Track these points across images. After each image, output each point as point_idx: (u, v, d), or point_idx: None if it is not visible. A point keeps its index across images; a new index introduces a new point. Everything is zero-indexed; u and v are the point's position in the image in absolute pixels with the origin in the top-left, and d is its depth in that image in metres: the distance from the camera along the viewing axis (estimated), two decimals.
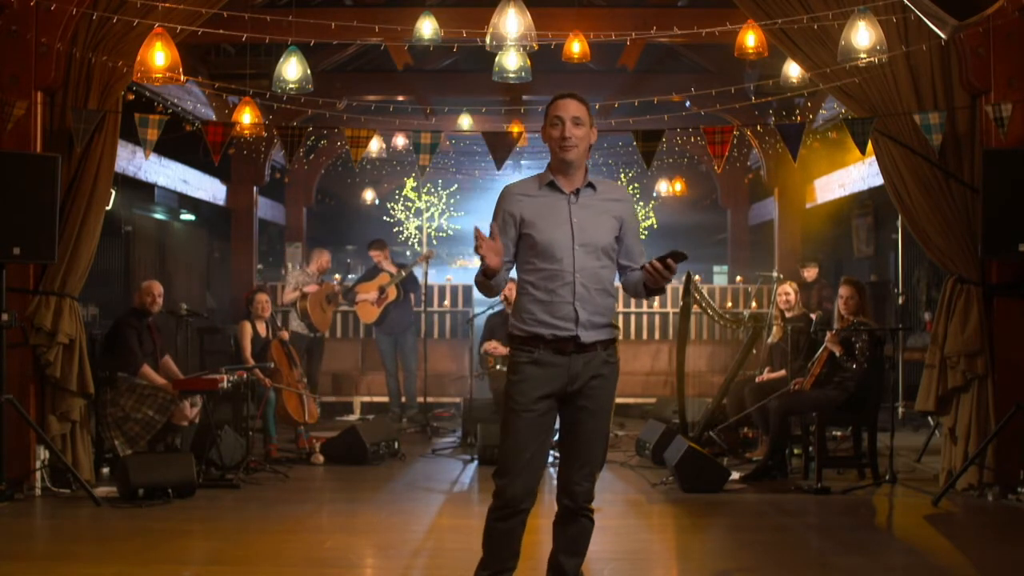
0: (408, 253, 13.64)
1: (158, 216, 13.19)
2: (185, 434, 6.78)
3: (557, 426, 3.59)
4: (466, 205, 13.60)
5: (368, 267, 10.37)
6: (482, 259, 3.34)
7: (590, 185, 3.52)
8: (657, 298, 11.16)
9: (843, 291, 6.74)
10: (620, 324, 10.96)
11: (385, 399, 10.11)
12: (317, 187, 13.17)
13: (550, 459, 6.38)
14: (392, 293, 9.73)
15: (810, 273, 10.01)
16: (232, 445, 6.86)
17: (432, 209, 13.14)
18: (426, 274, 9.47)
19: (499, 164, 6.67)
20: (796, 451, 7.03)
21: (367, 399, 10.48)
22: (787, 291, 7.62)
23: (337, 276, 11.27)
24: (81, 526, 5.45)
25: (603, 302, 3.46)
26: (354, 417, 10.12)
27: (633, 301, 11.21)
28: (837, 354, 6.62)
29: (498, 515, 3.42)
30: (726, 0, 6.96)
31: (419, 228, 13.37)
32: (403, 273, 9.75)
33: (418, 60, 11.28)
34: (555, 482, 3.60)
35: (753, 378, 7.69)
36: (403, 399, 9.90)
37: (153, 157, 9.00)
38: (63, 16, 6.02)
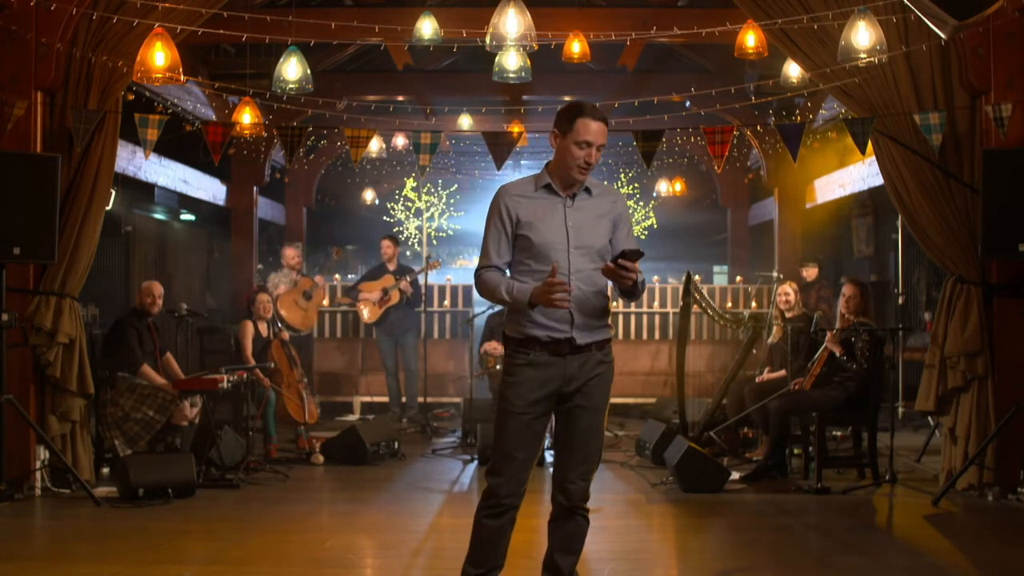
0: (408, 253, 13.61)
1: (158, 216, 13.18)
2: (185, 434, 6.78)
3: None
4: (466, 205, 13.56)
5: (372, 266, 10.33)
6: (545, 301, 3.30)
7: (586, 189, 3.53)
8: (657, 298, 11.17)
9: (847, 290, 6.72)
10: (620, 324, 11.10)
11: (385, 399, 10.11)
12: (317, 187, 13.15)
13: (548, 459, 6.37)
14: (395, 296, 9.72)
15: (809, 273, 10.01)
16: (232, 445, 6.86)
17: (432, 209, 13.11)
18: (426, 275, 9.46)
19: (499, 164, 6.67)
20: (796, 451, 7.03)
21: (367, 399, 10.48)
22: (787, 291, 7.61)
23: (326, 275, 11.22)
24: (81, 526, 5.45)
25: (598, 304, 3.47)
26: (354, 417, 10.11)
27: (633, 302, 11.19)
28: (837, 354, 6.61)
29: (488, 512, 3.45)
30: (726, 0, 6.96)
31: (419, 228, 13.35)
32: (408, 279, 9.70)
33: (418, 60, 11.27)
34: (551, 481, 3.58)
35: (753, 378, 7.69)
36: (403, 399, 9.90)
37: (153, 157, 9.00)
38: (63, 16, 6.02)
